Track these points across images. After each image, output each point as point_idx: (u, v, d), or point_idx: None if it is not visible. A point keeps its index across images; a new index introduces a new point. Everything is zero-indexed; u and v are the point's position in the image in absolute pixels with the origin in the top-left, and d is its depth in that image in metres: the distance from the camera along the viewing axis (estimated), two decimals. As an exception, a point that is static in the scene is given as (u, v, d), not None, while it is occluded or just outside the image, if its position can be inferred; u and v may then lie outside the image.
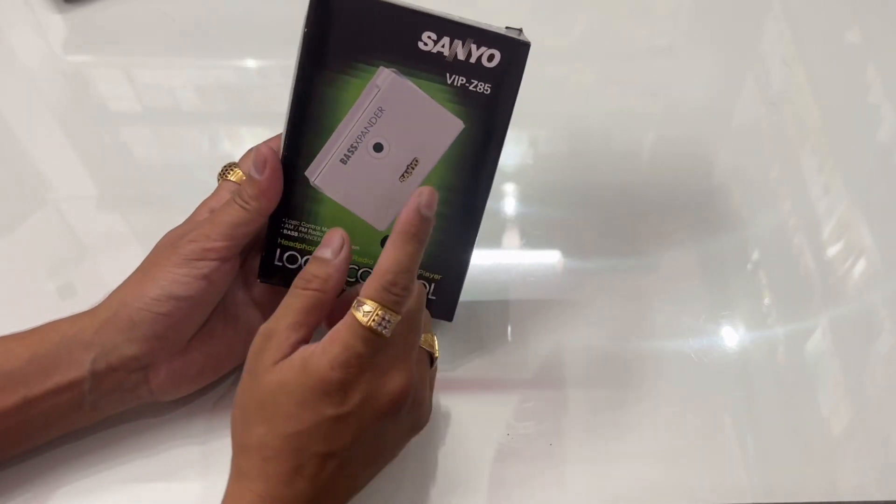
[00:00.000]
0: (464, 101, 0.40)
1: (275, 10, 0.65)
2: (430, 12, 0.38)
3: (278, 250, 0.42)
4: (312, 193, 0.41)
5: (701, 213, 0.56)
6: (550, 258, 0.53)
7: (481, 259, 0.52)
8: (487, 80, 0.40)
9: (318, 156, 0.40)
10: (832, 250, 0.54)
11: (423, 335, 0.40)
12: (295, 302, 0.38)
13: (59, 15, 0.64)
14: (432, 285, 0.44)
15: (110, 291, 0.41)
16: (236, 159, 0.44)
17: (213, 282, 0.40)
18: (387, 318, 0.35)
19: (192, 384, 0.43)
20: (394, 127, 0.40)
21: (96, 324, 0.39)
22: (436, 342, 0.42)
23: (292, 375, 0.36)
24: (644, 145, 0.61)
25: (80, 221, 0.53)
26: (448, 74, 0.39)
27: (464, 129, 0.40)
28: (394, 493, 0.43)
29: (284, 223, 0.42)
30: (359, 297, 0.36)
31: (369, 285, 0.36)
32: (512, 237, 0.54)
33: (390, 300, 0.36)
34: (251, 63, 0.63)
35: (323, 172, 0.41)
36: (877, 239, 0.55)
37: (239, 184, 0.42)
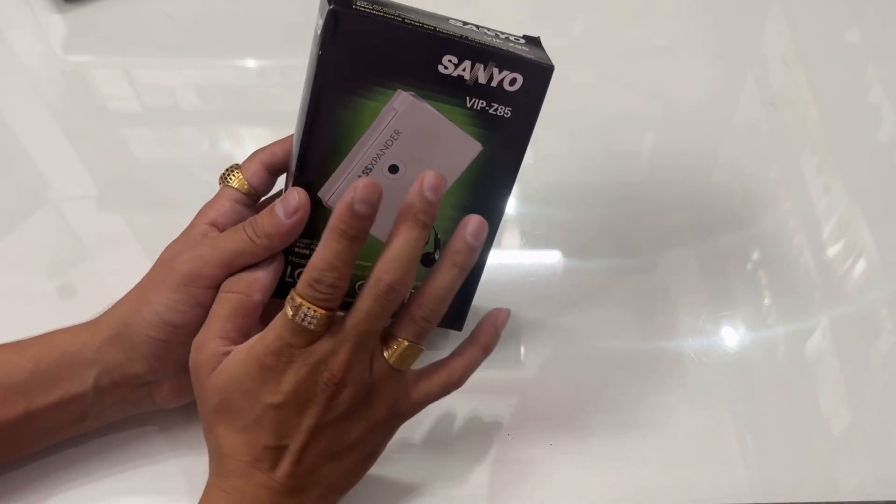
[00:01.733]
0: (483, 124, 0.39)
1: (275, 10, 0.65)
2: (451, 35, 0.37)
3: (289, 267, 0.41)
4: (325, 213, 0.39)
5: (701, 213, 0.56)
6: (550, 258, 0.53)
7: (481, 259, 0.52)
8: (508, 103, 0.39)
9: (332, 176, 0.39)
10: (832, 250, 0.54)
11: (398, 341, 0.38)
12: (219, 307, 0.38)
13: (59, 15, 0.64)
14: None
15: (110, 292, 0.41)
16: (236, 159, 0.44)
17: (208, 306, 0.39)
18: (310, 313, 0.35)
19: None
20: (410, 149, 0.39)
21: (98, 341, 0.39)
22: (408, 359, 0.38)
23: (237, 367, 0.36)
24: (644, 145, 0.61)
25: (80, 221, 0.53)
26: (468, 98, 0.38)
27: (482, 151, 0.40)
28: (394, 492, 0.43)
29: (296, 241, 0.40)
30: (292, 291, 0.36)
31: (301, 279, 0.36)
32: (512, 237, 0.54)
33: (313, 296, 0.35)
34: (251, 63, 0.63)
35: (337, 193, 0.39)
36: (877, 239, 0.55)
37: (242, 192, 0.42)
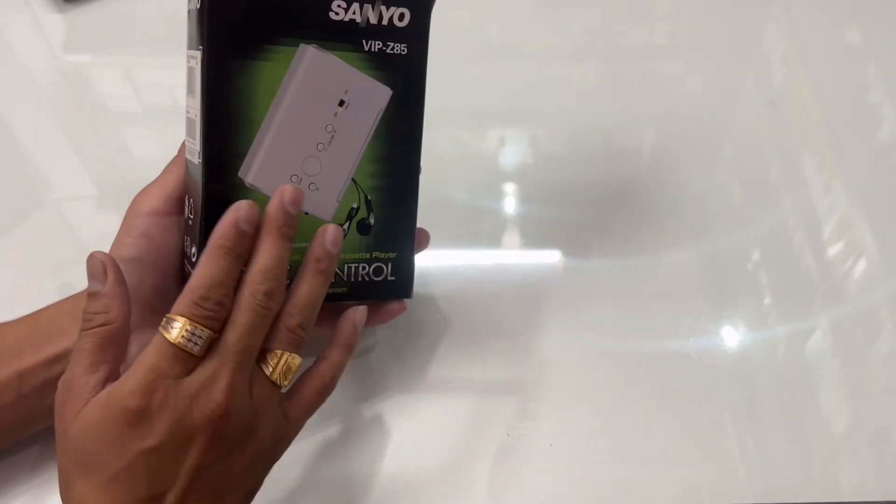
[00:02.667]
0: (383, 65, 0.39)
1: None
2: None
3: None
4: (247, 196, 0.37)
5: (701, 214, 0.56)
6: (550, 258, 0.53)
7: (481, 259, 0.52)
8: (402, 39, 0.38)
9: (250, 151, 0.37)
10: (832, 250, 0.54)
11: (276, 354, 0.35)
12: (84, 344, 0.34)
13: (59, 15, 0.64)
14: (389, 265, 0.42)
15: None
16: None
17: (153, 238, 0.39)
18: (197, 333, 0.33)
19: None
20: (324, 107, 0.38)
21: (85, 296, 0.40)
22: (290, 372, 0.36)
23: (96, 414, 0.33)
24: (644, 145, 0.61)
25: (80, 221, 0.53)
26: (364, 41, 0.38)
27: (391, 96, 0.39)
28: (393, 492, 0.43)
29: None
30: (167, 316, 0.33)
31: (178, 302, 0.33)
32: (512, 237, 0.54)
33: (201, 314, 0.33)
34: (251, 63, 0.63)
35: (256, 168, 0.37)
36: (877, 239, 0.55)
37: None
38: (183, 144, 0.41)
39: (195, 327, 0.33)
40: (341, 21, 0.37)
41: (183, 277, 0.41)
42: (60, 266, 0.51)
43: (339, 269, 0.41)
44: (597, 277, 0.52)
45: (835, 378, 0.48)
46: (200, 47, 0.36)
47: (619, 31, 0.68)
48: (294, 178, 0.38)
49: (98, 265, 0.35)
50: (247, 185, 0.37)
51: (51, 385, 0.39)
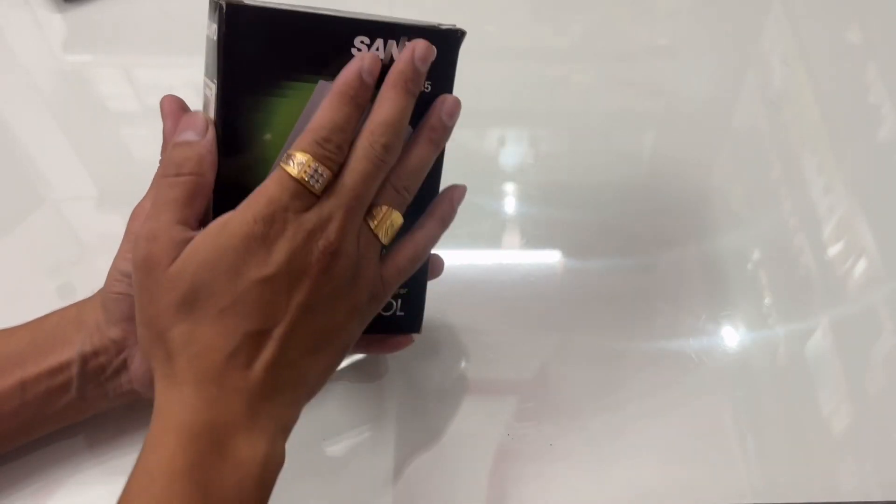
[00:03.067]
0: None
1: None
2: (358, 17, 0.35)
3: None
4: None
5: (701, 213, 0.56)
6: (550, 258, 0.53)
7: (481, 259, 0.52)
8: (427, 77, 0.37)
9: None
10: (832, 250, 0.54)
11: (382, 209, 0.36)
12: (172, 192, 0.34)
13: (58, 14, 0.64)
14: (399, 301, 0.42)
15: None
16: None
17: None
18: (319, 171, 0.34)
19: None
20: None
21: (89, 306, 0.41)
22: (392, 229, 0.37)
23: (209, 245, 0.33)
24: (644, 145, 0.61)
25: (80, 221, 0.53)
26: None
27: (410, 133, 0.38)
28: (392, 492, 0.43)
29: None
30: (288, 152, 0.34)
31: (301, 140, 0.34)
32: (512, 237, 0.54)
33: (322, 154, 0.34)
34: (251, 63, 0.63)
35: None
36: (877, 239, 0.55)
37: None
38: (160, 155, 0.40)
39: (318, 165, 0.34)
40: None
41: None
42: (60, 266, 0.51)
43: None
44: (597, 277, 0.52)
45: (835, 378, 0.48)
46: (215, 80, 0.35)
47: (619, 30, 0.68)
48: None
49: (202, 121, 0.35)
50: None
51: (52, 393, 0.40)
